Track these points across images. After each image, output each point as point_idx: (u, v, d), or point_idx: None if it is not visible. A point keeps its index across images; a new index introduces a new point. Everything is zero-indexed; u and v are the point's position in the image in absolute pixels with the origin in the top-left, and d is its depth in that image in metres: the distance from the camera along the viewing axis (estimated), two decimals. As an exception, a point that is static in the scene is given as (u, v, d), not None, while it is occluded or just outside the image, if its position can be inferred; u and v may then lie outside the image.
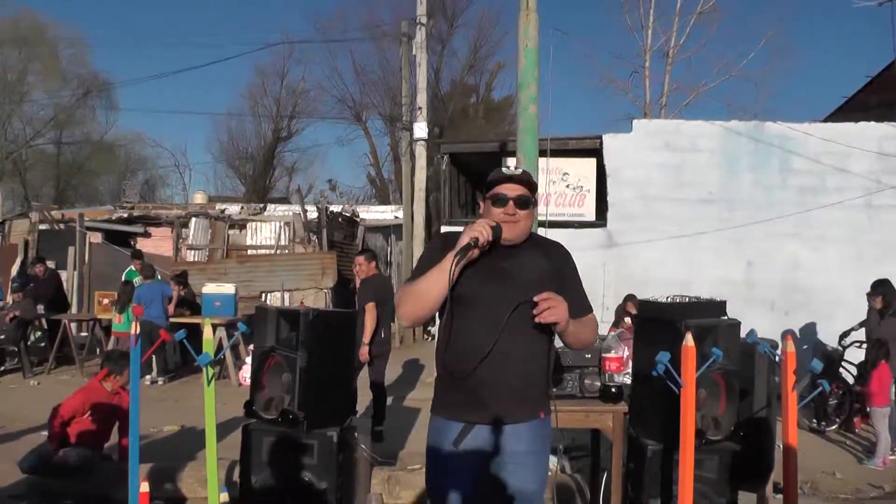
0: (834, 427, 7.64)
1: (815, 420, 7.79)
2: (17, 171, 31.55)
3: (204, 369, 3.43)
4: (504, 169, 2.83)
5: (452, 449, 2.77)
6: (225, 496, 3.42)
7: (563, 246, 2.95)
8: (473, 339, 2.72)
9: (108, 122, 35.20)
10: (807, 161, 10.06)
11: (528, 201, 2.75)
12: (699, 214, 10.16)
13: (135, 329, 3.54)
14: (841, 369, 7.97)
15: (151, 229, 17.08)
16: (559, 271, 2.83)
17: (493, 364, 2.69)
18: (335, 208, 16.77)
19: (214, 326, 7.67)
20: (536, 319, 2.63)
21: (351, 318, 4.34)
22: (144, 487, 3.61)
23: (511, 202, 2.74)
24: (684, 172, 10.35)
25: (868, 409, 7.11)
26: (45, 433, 6.53)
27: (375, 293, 6.93)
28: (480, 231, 2.65)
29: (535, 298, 2.63)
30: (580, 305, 2.85)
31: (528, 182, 2.80)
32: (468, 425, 2.76)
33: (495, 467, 2.81)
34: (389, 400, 8.66)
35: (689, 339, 3.19)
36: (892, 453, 6.65)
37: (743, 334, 3.74)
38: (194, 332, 7.49)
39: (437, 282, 2.68)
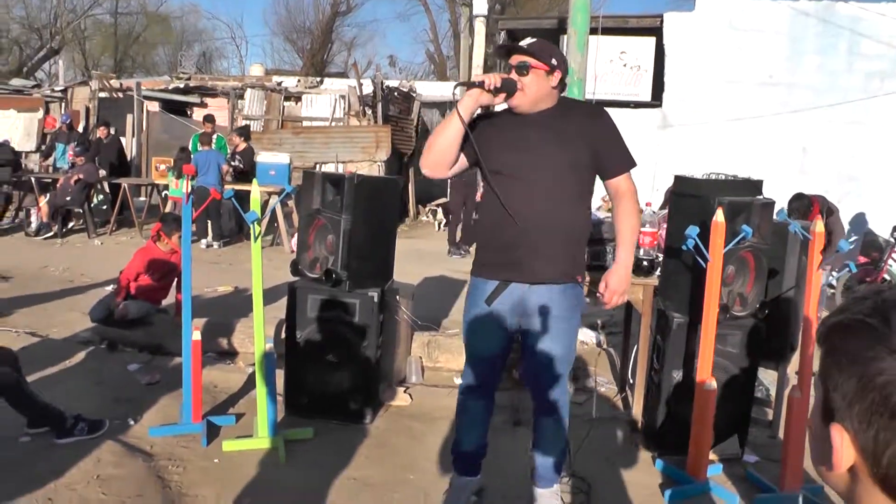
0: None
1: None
2: (76, 40, 31.78)
3: (251, 226, 3.61)
4: (508, 43, 2.95)
5: (486, 305, 2.94)
6: (270, 346, 3.67)
7: (594, 105, 3.02)
8: (509, 204, 2.83)
9: (164, -8, 34.92)
10: (878, 45, 9.59)
11: (526, 67, 2.80)
12: (758, 98, 9.87)
13: (187, 186, 3.71)
14: (890, 261, 7.91)
15: (207, 100, 17.23)
16: (588, 129, 2.88)
17: (531, 226, 2.81)
18: (394, 83, 16.64)
19: (268, 194, 7.91)
20: (607, 307, 2.95)
21: (395, 184, 4.46)
22: (196, 336, 3.87)
23: (513, 70, 2.82)
24: (746, 54, 9.98)
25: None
26: (109, 288, 6.99)
27: None
28: (488, 76, 2.74)
29: (602, 304, 2.94)
30: (618, 161, 2.91)
31: (527, 51, 2.85)
32: (503, 283, 2.91)
33: (525, 326, 2.98)
34: (438, 271, 8.94)
35: (719, 215, 3.24)
36: None
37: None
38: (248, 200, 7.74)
39: (443, 126, 2.83)
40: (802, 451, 3.42)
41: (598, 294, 2.99)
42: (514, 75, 2.80)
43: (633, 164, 2.94)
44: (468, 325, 3.04)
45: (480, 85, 2.70)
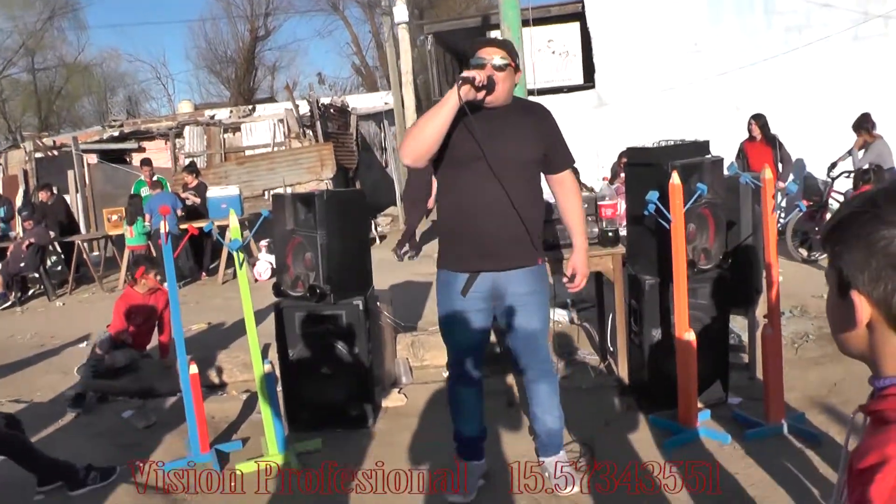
0: (825, 256, 7.96)
1: (807, 252, 8.19)
2: (-6, 103, 31.05)
3: (235, 254, 3.71)
4: (482, 38, 3.06)
5: (461, 297, 3.08)
6: (269, 366, 3.77)
7: (542, 105, 3.19)
8: (471, 193, 2.98)
9: (80, 42, 34.37)
10: (791, 0, 10.02)
11: (505, 65, 2.94)
12: (686, 65, 10.22)
13: (165, 227, 3.79)
14: (831, 199, 8.29)
15: (144, 143, 17.07)
16: (541, 129, 3.08)
17: (493, 216, 2.97)
18: (325, 100, 16.71)
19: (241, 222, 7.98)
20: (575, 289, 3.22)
21: (361, 195, 4.60)
22: (194, 369, 3.95)
23: (489, 65, 2.92)
24: (669, 25, 10.32)
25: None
26: (83, 345, 6.97)
27: None
28: (477, 72, 2.82)
29: (570, 288, 3.18)
30: (563, 159, 3.14)
31: (505, 47, 3.00)
32: (473, 274, 3.07)
33: (501, 310, 3.15)
34: (402, 277, 9.06)
35: (675, 178, 3.45)
36: None
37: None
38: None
39: (434, 112, 2.87)
40: (781, 384, 3.66)
41: (564, 280, 3.20)
42: (489, 69, 2.89)
43: (574, 161, 3.19)
44: (446, 319, 3.18)
45: (471, 81, 2.78)
